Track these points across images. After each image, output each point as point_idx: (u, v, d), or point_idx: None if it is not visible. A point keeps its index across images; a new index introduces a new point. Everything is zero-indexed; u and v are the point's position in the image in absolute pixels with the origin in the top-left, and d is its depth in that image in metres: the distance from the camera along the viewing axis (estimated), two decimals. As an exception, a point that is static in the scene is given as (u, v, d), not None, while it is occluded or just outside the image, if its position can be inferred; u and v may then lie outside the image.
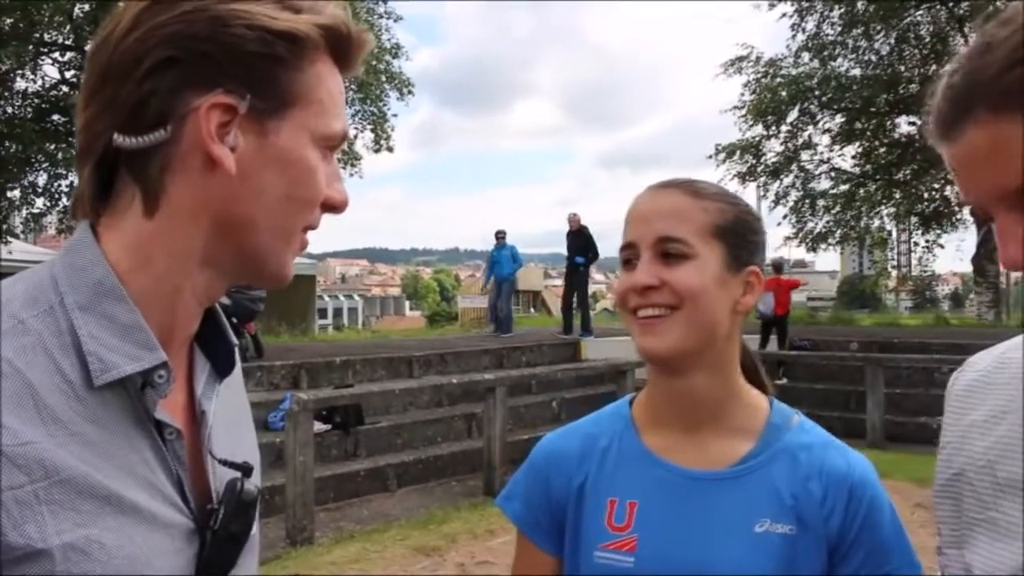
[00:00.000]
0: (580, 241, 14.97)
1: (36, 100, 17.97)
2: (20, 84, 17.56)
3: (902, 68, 21.18)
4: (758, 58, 22.16)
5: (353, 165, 20.21)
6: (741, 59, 22.22)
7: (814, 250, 24.08)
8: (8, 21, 15.58)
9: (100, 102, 0.81)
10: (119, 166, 0.83)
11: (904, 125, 22.28)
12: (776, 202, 22.97)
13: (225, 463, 0.89)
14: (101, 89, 0.81)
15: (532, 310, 29.00)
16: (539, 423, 11.23)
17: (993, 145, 0.84)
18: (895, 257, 26.38)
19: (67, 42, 17.34)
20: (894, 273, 29.06)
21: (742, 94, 22.40)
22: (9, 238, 18.84)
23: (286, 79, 0.83)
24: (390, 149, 20.49)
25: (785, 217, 23.01)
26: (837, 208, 22.83)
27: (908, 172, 22.16)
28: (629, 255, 1.28)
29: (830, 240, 23.49)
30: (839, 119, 22.26)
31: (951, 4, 20.25)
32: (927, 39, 20.98)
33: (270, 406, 9.16)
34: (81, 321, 0.78)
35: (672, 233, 1.24)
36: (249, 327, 10.90)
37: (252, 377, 9.83)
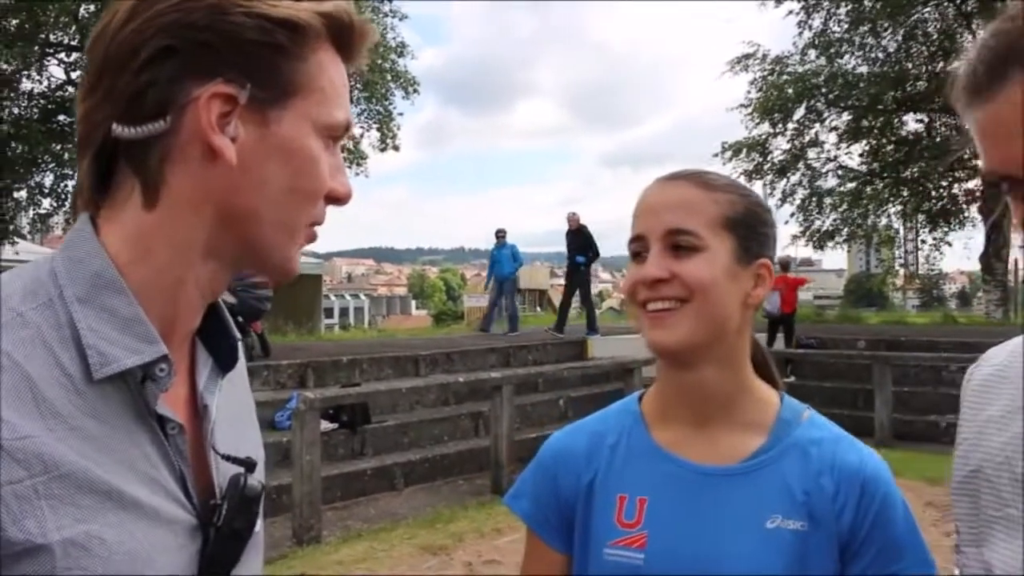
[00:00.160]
0: (580, 240, 14.94)
1: (42, 101, 18.00)
2: (26, 85, 17.59)
3: (909, 65, 21.12)
4: (764, 55, 22.12)
5: (359, 164, 20.21)
6: (747, 56, 22.19)
7: (821, 248, 24.04)
8: (14, 22, 15.61)
9: (99, 92, 0.80)
10: (118, 157, 0.81)
11: (912, 122, 22.27)
12: (783, 200, 22.94)
13: (228, 458, 0.88)
14: (99, 79, 0.80)
15: (538, 309, 28.96)
16: (546, 421, 11.22)
17: None
18: (902, 255, 26.29)
19: (72, 43, 17.36)
20: (901, 271, 28.98)
21: (748, 92, 22.39)
22: (16, 238, 18.89)
23: (287, 68, 0.82)
24: (396, 148, 20.48)
25: (792, 215, 23.00)
26: (844, 206, 22.79)
27: (916, 170, 22.09)
28: (638, 248, 1.27)
29: (837, 238, 23.44)
30: (846, 117, 22.21)
31: (959, 1, 20.19)
32: (935, 36, 20.92)
33: (277, 405, 9.15)
34: (80, 314, 0.77)
35: (682, 225, 1.23)
36: (255, 326, 10.91)
37: (259, 376, 9.83)
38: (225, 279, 0.87)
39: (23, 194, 18.22)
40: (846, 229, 23.29)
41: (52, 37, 16.96)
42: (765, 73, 22.08)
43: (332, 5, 0.85)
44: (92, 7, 16.15)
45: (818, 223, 23.19)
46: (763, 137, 22.46)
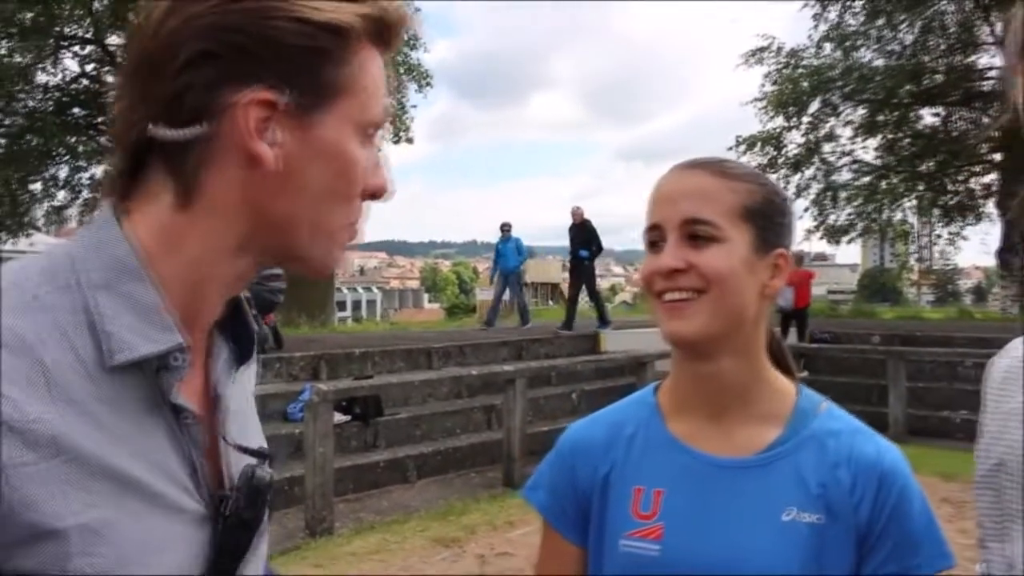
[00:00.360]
0: (584, 234, 14.89)
1: (57, 93, 18.09)
2: (41, 78, 17.69)
3: (926, 58, 20.92)
4: (779, 49, 22.00)
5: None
6: (762, 50, 22.05)
7: (835, 243, 23.91)
8: (29, 15, 15.69)
9: (135, 93, 0.80)
10: (152, 154, 0.80)
11: (928, 116, 22.09)
12: (797, 194, 22.81)
13: (241, 449, 0.87)
14: (136, 79, 0.80)
15: (551, 302, 28.98)
16: (559, 415, 11.22)
17: None
18: (917, 250, 26.14)
19: (87, 36, 17.44)
20: (916, 266, 28.83)
21: (763, 85, 22.26)
22: (31, 230, 19.01)
23: (330, 72, 0.81)
24: (409, 141, 20.51)
25: (806, 210, 22.86)
26: (859, 200, 22.65)
27: (932, 164, 21.94)
28: (655, 237, 1.25)
29: (851, 233, 23.32)
30: (862, 110, 22.05)
31: (977, -7, 20.03)
32: (952, 29, 20.72)
33: (290, 397, 9.18)
34: (100, 300, 0.76)
35: (699, 215, 1.21)
36: (269, 318, 10.93)
37: (271, 368, 9.86)
38: (254, 271, 0.87)
39: (38, 186, 18.33)
40: (861, 223, 23.14)
41: (66, 30, 17.03)
42: (780, 66, 21.96)
43: (373, 6, 0.83)
44: (106, 0, 16.23)
45: (832, 217, 23.05)
46: (777, 131, 22.33)
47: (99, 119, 18.77)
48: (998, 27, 19.82)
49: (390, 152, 0.88)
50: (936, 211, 23.18)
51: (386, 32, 0.85)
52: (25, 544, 0.70)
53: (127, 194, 0.82)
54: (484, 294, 24.94)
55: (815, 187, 22.91)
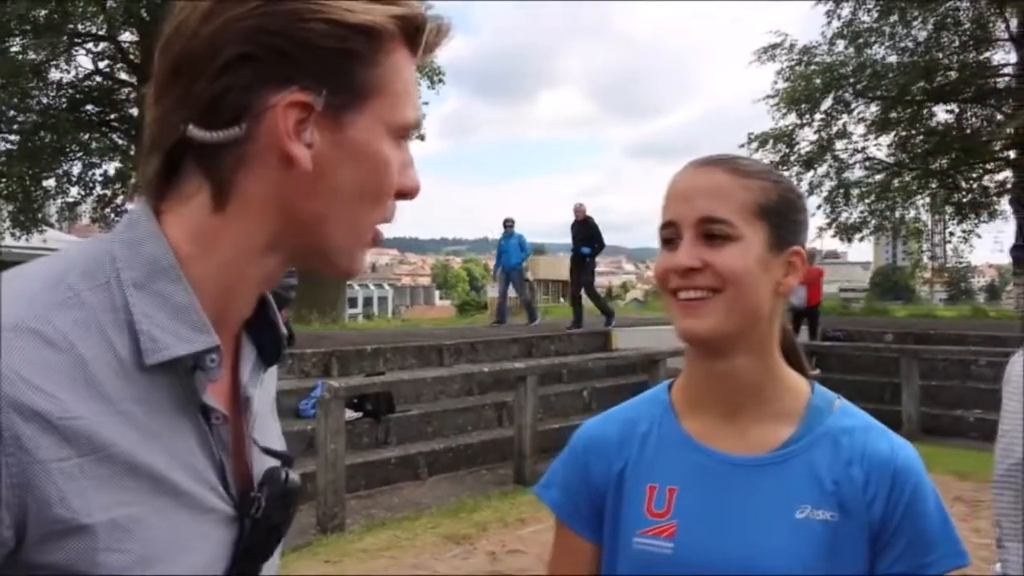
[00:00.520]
0: (586, 231, 14.86)
1: (70, 90, 18.19)
2: (54, 75, 17.79)
3: (940, 55, 20.79)
4: (792, 45, 21.88)
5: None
6: (774, 46, 21.92)
7: (848, 241, 23.80)
8: (43, 12, 15.76)
9: (173, 96, 0.80)
10: (186, 156, 0.81)
11: (942, 113, 21.94)
12: (809, 192, 22.71)
13: (268, 451, 0.88)
14: (174, 82, 0.80)
15: (562, 299, 28.91)
16: (570, 412, 11.22)
17: None
18: (930, 248, 25.98)
19: (100, 33, 17.50)
20: (929, 264, 28.68)
21: (775, 82, 22.16)
22: (44, 226, 19.10)
23: (362, 73, 0.81)
24: (421, 137, 20.50)
25: (819, 207, 22.75)
26: (871, 198, 22.54)
27: (945, 161, 21.81)
28: (670, 234, 1.25)
29: (864, 230, 23.21)
30: (874, 107, 21.93)
31: (992, -11, 19.88)
32: (966, 25, 20.59)
33: (301, 393, 9.21)
34: (136, 299, 0.77)
35: (715, 213, 1.21)
36: (281, 314, 10.95)
37: (283, 364, 9.84)
38: (283, 270, 0.87)
39: (51, 182, 18.41)
40: (873, 221, 23.03)
41: (80, 27, 17.11)
42: (792, 63, 21.86)
43: (405, 7, 0.84)
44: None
45: (845, 215, 22.94)
46: (790, 128, 22.24)
47: (112, 116, 18.86)
48: (1013, 23, 19.70)
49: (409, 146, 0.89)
50: (949, 208, 23.04)
51: (418, 35, 0.86)
52: (54, 538, 0.71)
53: (161, 195, 0.82)
54: (494, 291, 24.93)
55: (827, 184, 22.80)
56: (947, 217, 23.65)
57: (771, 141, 22.29)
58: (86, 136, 17.87)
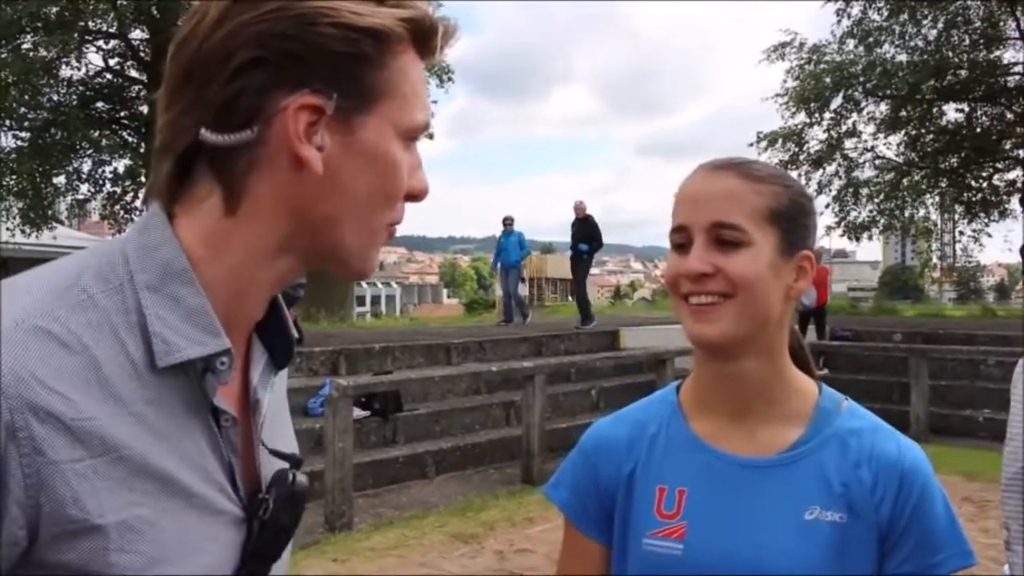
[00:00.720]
0: (585, 229, 14.83)
1: (81, 88, 18.22)
2: (65, 72, 17.81)
3: (950, 54, 20.71)
4: (801, 44, 21.81)
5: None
6: (784, 45, 21.85)
7: (857, 240, 23.73)
8: (54, 10, 15.79)
9: (185, 100, 0.80)
10: (199, 159, 0.82)
11: (952, 112, 21.85)
12: (818, 191, 22.65)
13: (276, 454, 0.89)
14: (185, 86, 0.81)
15: (570, 298, 28.90)
16: (578, 411, 11.21)
17: None
18: (940, 247, 25.88)
19: (111, 30, 17.54)
20: (939, 264, 28.57)
21: (784, 81, 22.10)
22: (54, 224, 19.15)
23: (371, 76, 0.82)
24: (430, 136, 20.48)
25: (827, 206, 22.70)
26: (881, 197, 22.47)
27: (955, 160, 21.73)
28: (681, 239, 1.25)
29: (873, 230, 23.14)
30: (884, 106, 21.86)
31: (1003, -13, 19.78)
32: (976, 23, 20.50)
33: (310, 392, 9.22)
34: (148, 301, 0.78)
35: (726, 219, 1.21)
36: (289, 313, 10.96)
37: (291, 363, 9.88)
38: (297, 272, 0.88)
39: (61, 180, 18.44)
40: (882, 220, 22.96)
41: (91, 24, 17.14)
42: (802, 62, 21.79)
43: (412, 10, 0.85)
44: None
45: (854, 214, 22.88)
46: (799, 127, 22.18)
47: (122, 113, 18.89)
48: (1023, 21, 19.61)
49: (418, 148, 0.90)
50: (959, 208, 22.95)
51: (425, 37, 0.86)
52: (67, 538, 0.72)
53: (174, 198, 0.83)
54: (500, 290, 24.94)
55: (837, 183, 22.73)
56: (957, 216, 23.56)
57: (780, 140, 22.23)
58: (96, 133, 17.89)
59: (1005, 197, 21.80)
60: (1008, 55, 20.65)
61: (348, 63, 0.81)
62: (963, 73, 20.49)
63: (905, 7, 20.39)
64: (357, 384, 8.03)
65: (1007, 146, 21.03)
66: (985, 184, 22.10)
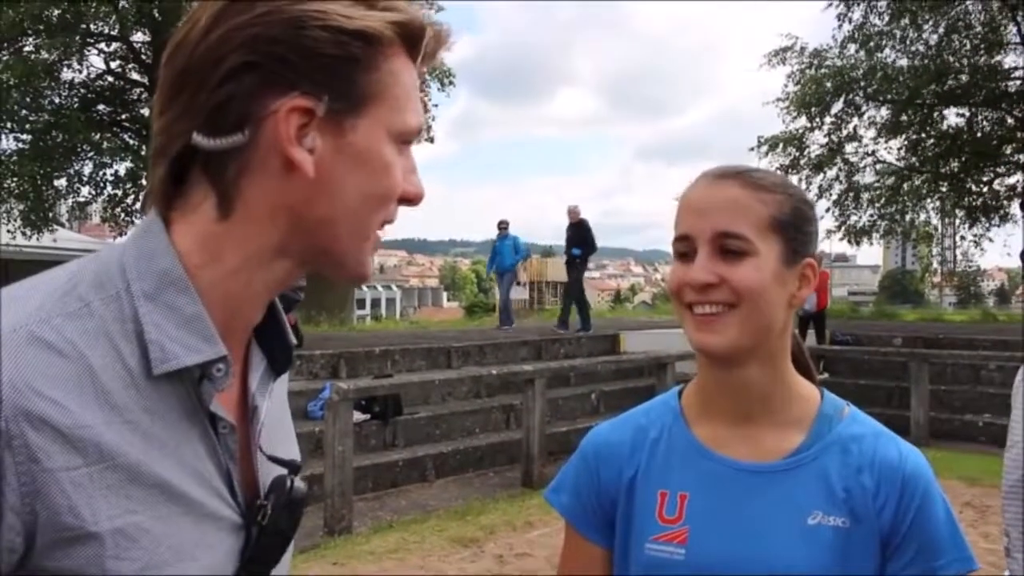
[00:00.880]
0: (579, 234, 14.80)
1: (82, 90, 18.24)
2: (67, 74, 17.83)
3: (951, 58, 20.74)
4: (802, 49, 21.85)
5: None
6: (785, 50, 21.88)
7: (857, 244, 23.76)
8: (56, 12, 15.82)
9: (179, 105, 0.81)
10: (193, 164, 0.82)
11: (952, 117, 21.89)
12: (819, 195, 22.68)
13: (274, 460, 0.89)
14: (179, 92, 0.81)
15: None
16: (578, 415, 11.23)
17: None
18: (940, 252, 25.89)
19: (112, 33, 17.56)
20: (939, 268, 28.57)
21: (785, 85, 22.13)
22: (55, 226, 19.16)
23: (362, 79, 0.82)
24: (431, 140, 20.52)
25: (828, 210, 22.72)
26: (882, 201, 22.49)
27: (956, 165, 21.75)
28: (684, 248, 1.25)
29: (874, 234, 23.17)
30: (885, 111, 21.89)
31: (1004, -8, 19.80)
32: (977, 28, 20.54)
33: (310, 395, 9.23)
34: (145, 309, 0.78)
35: (730, 228, 1.21)
36: (289, 317, 10.93)
37: (292, 366, 9.89)
38: (295, 276, 0.88)
39: (62, 182, 18.45)
40: (883, 224, 22.98)
41: (93, 27, 17.15)
42: (803, 67, 21.82)
43: (403, 14, 0.85)
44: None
45: (855, 218, 22.91)
46: (800, 131, 22.21)
47: (123, 116, 18.91)
48: (1024, 27, 19.64)
49: (412, 151, 0.90)
50: (960, 212, 22.97)
51: (416, 41, 0.87)
52: (63, 545, 0.72)
53: (170, 204, 0.83)
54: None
55: (837, 188, 22.76)
56: (957, 221, 23.58)
57: (781, 144, 22.26)
58: (97, 136, 17.91)
59: (1005, 202, 21.83)
60: (1009, 60, 20.71)
61: (338, 66, 0.81)
62: (964, 78, 20.52)
63: (906, 12, 20.42)
64: (357, 387, 8.02)
65: (1008, 151, 21.04)
66: (986, 189, 22.12)
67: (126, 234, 17.13)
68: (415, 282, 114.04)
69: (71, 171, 18.34)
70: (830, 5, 21.61)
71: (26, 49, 16.57)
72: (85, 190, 18.80)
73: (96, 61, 18.43)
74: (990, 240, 22.90)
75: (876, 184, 22.68)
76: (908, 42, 21.06)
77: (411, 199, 0.89)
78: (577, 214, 14.87)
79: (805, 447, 1.26)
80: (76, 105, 17.69)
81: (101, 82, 18.62)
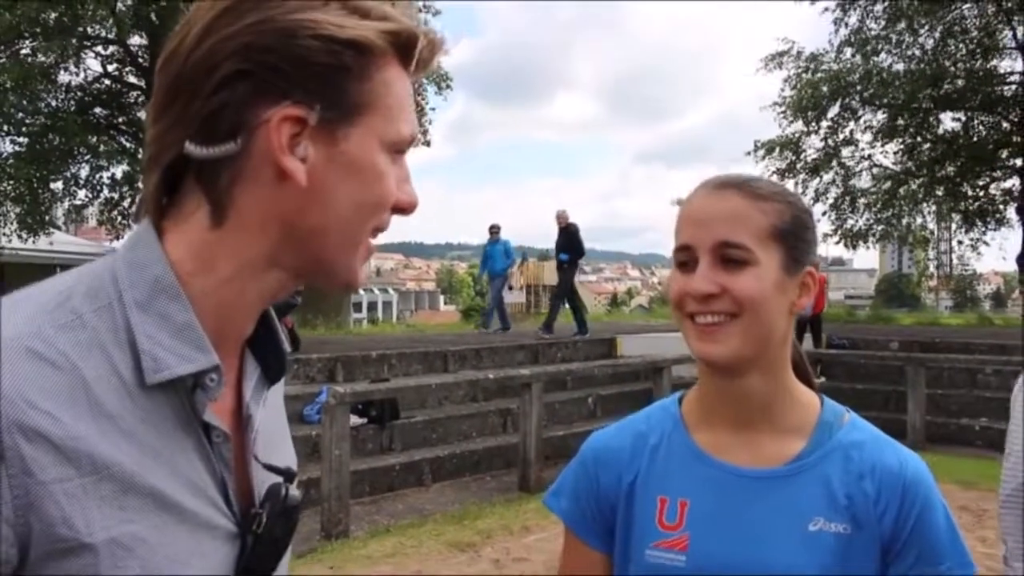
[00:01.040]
0: (567, 239, 14.76)
1: (79, 93, 18.24)
2: (63, 77, 17.83)
3: (947, 63, 20.77)
4: (799, 53, 21.88)
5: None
6: (781, 54, 21.91)
7: (853, 248, 23.77)
8: (53, 15, 15.81)
9: (171, 114, 0.81)
10: (186, 173, 0.82)
11: (949, 121, 21.92)
12: (815, 199, 22.71)
13: (270, 468, 0.89)
14: (172, 102, 0.81)
15: (566, 305, 28.88)
16: (575, 419, 11.23)
17: None
18: (936, 256, 25.96)
19: (110, 36, 17.56)
20: (935, 272, 28.63)
21: (782, 89, 22.16)
22: (51, 229, 19.14)
23: (354, 88, 0.82)
24: (427, 143, 20.53)
25: (824, 214, 22.75)
26: (878, 205, 22.53)
27: (952, 169, 21.79)
28: (685, 257, 1.26)
29: (870, 238, 23.19)
30: (881, 115, 21.92)
31: (999, -3, 19.85)
32: (974, 33, 20.57)
33: (306, 399, 9.22)
34: (137, 319, 0.78)
35: (731, 238, 1.22)
36: (286, 321, 10.97)
37: (288, 370, 9.78)
38: (288, 287, 0.88)
39: (59, 185, 18.44)
40: (879, 228, 23.01)
41: (90, 30, 17.14)
42: (799, 71, 21.85)
43: (396, 23, 0.85)
44: (129, 0, 16.34)
45: (851, 222, 22.93)
46: (796, 136, 22.23)
47: (120, 119, 18.91)
48: (1020, 31, 19.68)
49: (408, 156, 0.90)
50: (956, 216, 23.01)
51: (409, 50, 0.87)
52: (57, 556, 0.72)
53: (163, 213, 0.83)
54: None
55: (834, 192, 22.79)
56: (954, 225, 23.62)
57: (778, 149, 22.29)
58: (94, 139, 17.91)
59: (1001, 206, 21.86)
60: (1005, 64, 20.75)
61: (330, 75, 0.81)
62: (960, 82, 20.55)
63: (903, 16, 20.47)
64: (354, 391, 8.01)
65: (1003, 155, 21.08)
66: (982, 193, 22.16)
67: (122, 237, 17.14)
68: (412, 285, 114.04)
69: (67, 174, 18.34)
70: (827, 9, 21.66)
71: (23, 52, 16.57)
72: (81, 193, 18.82)
73: (93, 64, 18.47)
74: (986, 244, 22.94)
75: (872, 188, 22.72)
76: (904, 46, 21.10)
77: (404, 208, 0.89)
78: (565, 219, 14.87)
79: (806, 453, 1.26)
80: (73, 108, 17.69)
81: (98, 85, 18.62)
